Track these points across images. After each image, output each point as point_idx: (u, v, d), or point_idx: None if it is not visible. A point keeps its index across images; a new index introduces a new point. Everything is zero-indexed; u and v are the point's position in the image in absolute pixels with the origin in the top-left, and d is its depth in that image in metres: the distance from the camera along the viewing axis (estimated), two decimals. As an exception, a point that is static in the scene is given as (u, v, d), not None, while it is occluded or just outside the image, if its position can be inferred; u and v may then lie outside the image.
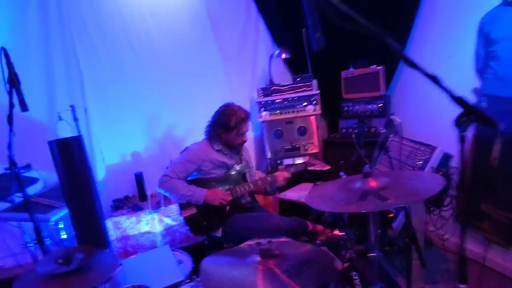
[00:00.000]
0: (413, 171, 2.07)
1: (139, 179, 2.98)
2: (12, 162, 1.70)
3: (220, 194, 2.23)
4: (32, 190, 2.41)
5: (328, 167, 2.56)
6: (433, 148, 2.21)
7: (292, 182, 2.79)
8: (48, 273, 1.23)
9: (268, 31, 3.29)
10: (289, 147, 3.19)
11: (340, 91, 3.16)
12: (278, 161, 3.16)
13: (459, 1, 2.52)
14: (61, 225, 2.28)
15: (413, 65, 1.07)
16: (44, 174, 2.67)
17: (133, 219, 2.75)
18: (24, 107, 1.47)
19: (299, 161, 2.91)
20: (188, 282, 1.59)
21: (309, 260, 1.20)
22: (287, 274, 1.10)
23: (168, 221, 2.83)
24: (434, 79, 1.10)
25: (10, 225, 2.49)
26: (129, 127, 3.03)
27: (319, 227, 2.38)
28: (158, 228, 2.80)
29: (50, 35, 2.61)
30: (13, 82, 1.42)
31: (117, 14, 2.83)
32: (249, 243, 1.60)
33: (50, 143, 1.77)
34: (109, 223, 2.64)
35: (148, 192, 2.94)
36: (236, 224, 2.18)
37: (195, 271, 1.69)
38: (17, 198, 2.26)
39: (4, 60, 1.45)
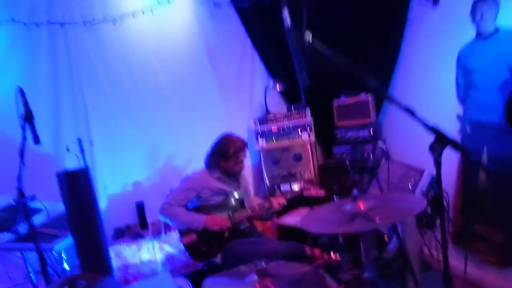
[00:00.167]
0: (398, 193, 2.16)
1: (140, 207, 3.05)
2: (21, 194, 1.80)
3: (219, 220, 2.30)
4: (36, 220, 2.47)
5: (323, 192, 2.66)
6: (421, 172, 2.32)
7: (290, 207, 2.87)
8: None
9: (263, 64, 3.50)
10: (286, 173, 3.29)
11: (333, 119, 3.31)
12: (276, 187, 3.25)
13: (438, 35, 2.73)
14: (64, 255, 2.33)
15: (389, 99, 1.21)
16: (47, 205, 2.74)
17: (134, 247, 2.79)
18: (37, 141, 1.59)
19: (295, 186, 3.00)
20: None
21: (304, 280, 1.28)
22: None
23: (168, 248, 2.87)
24: (409, 111, 1.24)
25: (13, 256, 2.53)
26: (131, 157, 3.14)
27: (317, 251, 2.43)
28: (158, 255, 2.84)
29: (58, 74, 2.79)
30: (28, 118, 1.54)
31: (122, 53, 3.02)
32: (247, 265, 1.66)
33: (59, 175, 1.87)
34: (111, 252, 2.68)
35: (149, 220, 3.00)
36: (235, 249, 2.24)
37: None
38: (22, 228, 2.32)
39: (20, 98, 1.59)
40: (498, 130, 2.36)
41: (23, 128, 1.61)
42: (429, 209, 2.39)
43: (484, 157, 2.53)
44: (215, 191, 2.38)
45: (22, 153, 1.71)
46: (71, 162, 2.55)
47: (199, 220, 2.26)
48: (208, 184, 2.37)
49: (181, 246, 2.43)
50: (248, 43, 3.44)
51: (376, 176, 2.63)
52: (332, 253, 2.18)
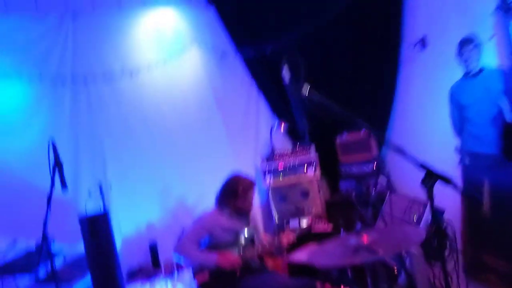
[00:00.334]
0: (400, 226, 2.23)
1: (153, 248, 3.13)
2: (45, 238, 1.93)
3: (230, 258, 2.37)
4: (55, 262, 2.57)
5: (331, 227, 2.73)
6: (424, 204, 2.41)
7: (299, 243, 2.91)
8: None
9: (268, 105, 3.71)
10: (294, 209, 3.37)
11: (337, 154, 3.45)
12: (284, 224, 3.32)
13: (430, 74, 2.93)
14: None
15: (381, 139, 1.36)
16: (65, 247, 2.85)
17: (148, 286, 2.84)
18: (65, 187, 1.75)
19: (303, 222, 3.08)
20: None
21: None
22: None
23: (181, 287, 2.91)
24: (400, 151, 1.38)
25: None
26: (144, 199, 3.28)
27: (328, 286, 2.46)
28: (171, 296, 2.88)
29: (79, 123, 3.04)
30: (58, 166, 1.72)
31: (137, 102, 3.29)
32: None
33: (81, 220, 2.01)
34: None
35: (162, 260, 3.07)
36: (247, 287, 2.29)
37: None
38: (42, 270, 2.42)
39: (51, 149, 1.78)
40: (495, 161, 2.46)
41: (53, 176, 1.78)
42: (435, 241, 2.45)
43: (486, 188, 2.60)
44: (226, 229, 2.47)
45: (49, 199, 1.86)
46: (89, 205, 2.70)
47: (211, 258, 2.34)
48: (219, 223, 2.46)
49: (194, 285, 2.48)
50: (254, 87, 3.68)
51: (381, 210, 2.72)
52: (342, 287, 2.22)
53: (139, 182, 3.24)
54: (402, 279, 2.30)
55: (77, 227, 2.49)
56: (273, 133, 3.61)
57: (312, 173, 3.38)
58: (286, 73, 1.35)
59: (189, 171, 3.39)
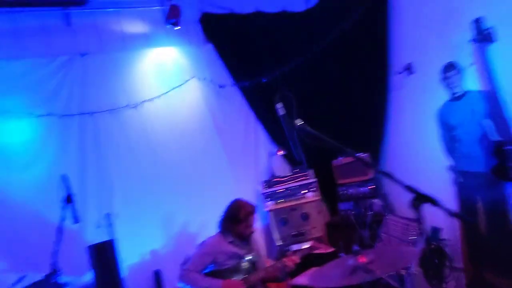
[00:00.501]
0: (396, 246, 2.30)
1: (157, 276, 3.16)
2: (55, 270, 2.00)
3: (235, 285, 2.42)
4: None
5: (332, 249, 2.78)
6: (421, 223, 2.48)
7: (302, 267, 2.96)
8: None
9: (266, 132, 3.85)
10: (295, 233, 3.43)
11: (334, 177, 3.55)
12: (287, 248, 3.36)
13: (418, 97, 3.09)
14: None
15: (369, 166, 1.47)
16: (71, 279, 2.89)
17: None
18: (76, 220, 1.84)
19: (305, 245, 3.12)
20: None
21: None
22: None
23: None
24: (387, 175, 1.49)
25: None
26: (148, 226, 3.34)
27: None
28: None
29: (87, 155, 3.17)
30: (70, 200, 1.82)
31: (141, 132, 3.43)
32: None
33: (90, 248, 2.09)
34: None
35: (166, 287, 3.09)
36: (252, 312, 2.33)
37: None
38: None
39: (64, 183, 1.89)
40: (486, 180, 2.56)
41: (64, 209, 1.88)
42: (434, 260, 2.51)
43: (480, 206, 2.69)
44: (229, 255, 2.53)
45: (60, 232, 1.95)
46: (93, 236, 2.78)
47: (216, 285, 2.38)
48: (223, 249, 2.53)
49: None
50: (252, 115, 3.84)
51: (379, 230, 2.79)
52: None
53: (143, 210, 3.31)
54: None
55: (83, 258, 2.55)
56: (272, 159, 3.73)
57: (311, 196, 3.46)
58: (279, 108, 1.49)
59: (191, 198, 3.48)
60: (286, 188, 3.52)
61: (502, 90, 2.23)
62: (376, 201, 3.20)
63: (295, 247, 3.33)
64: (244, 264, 2.57)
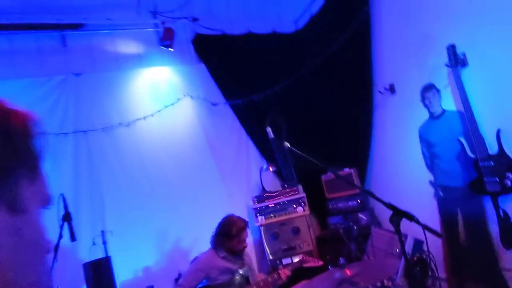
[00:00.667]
0: (382, 258, 2.41)
1: (150, 292, 3.18)
2: None
3: (227, 299, 2.48)
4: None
5: (321, 263, 2.87)
6: (405, 236, 2.61)
7: (294, 281, 3.03)
8: None
9: (257, 149, 3.97)
10: (286, 247, 3.51)
11: (323, 192, 3.67)
12: (278, 262, 3.43)
13: (400, 116, 3.26)
14: None
15: (352, 184, 1.59)
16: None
17: (146, 334, 2.87)
18: (73, 239, 1.90)
19: (296, 259, 3.21)
20: None
21: None
22: None
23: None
24: (369, 193, 1.62)
25: None
26: (141, 243, 3.37)
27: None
28: None
29: (80, 174, 3.21)
30: (67, 219, 1.88)
31: (134, 150, 3.50)
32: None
33: (85, 265, 2.14)
34: None
35: (159, 305, 3.11)
36: (244, 326, 2.38)
37: None
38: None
39: (61, 202, 1.95)
40: (464, 194, 2.71)
41: (61, 227, 1.94)
42: (417, 271, 2.62)
43: (459, 218, 2.83)
44: (221, 270, 2.60)
45: (56, 249, 2.00)
46: (87, 253, 2.81)
47: (209, 300, 2.44)
48: (215, 264, 2.60)
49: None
50: (243, 132, 3.96)
51: (366, 243, 2.89)
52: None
53: (136, 227, 3.35)
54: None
55: (79, 275, 2.58)
56: (262, 174, 3.83)
57: (301, 211, 3.56)
58: (269, 131, 1.61)
59: (184, 214, 3.54)
60: (277, 203, 3.62)
61: (475, 110, 2.40)
62: (364, 215, 3.32)
63: (286, 261, 3.41)
64: (237, 279, 2.63)
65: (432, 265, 2.69)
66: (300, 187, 3.63)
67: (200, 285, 2.58)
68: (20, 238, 0.36)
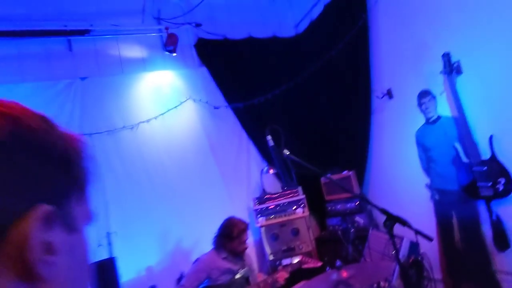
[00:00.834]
0: (378, 260, 2.49)
1: (153, 292, 3.27)
2: None
3: (228, 299, 2.57)
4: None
5: (320, 264, 2.95)
6: (401, 238, 2.68)
7: (293, 281, 3.11)
8: None
9: (258, 151, 4.05)
10: (286, 248, 3.59)
11: (322, 194, 3.75)
12: (277, 262, 3.52)
13: (397, 120, 3.33)
14: None
15: (345, 189, 1.67)
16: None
17: (149, 332, 2.95)
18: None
19: (295, 260, 3.29)
20: None
21: None
22: None
23: (181, 331, 3.03)
24: (362, 198, 1.70)
25: None
26: (144, 243, 3.45)
27: (320, 322, 2.65)
28: None
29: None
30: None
31: (137, 152, 3.58)
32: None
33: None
34: None
35: (161, 304, 3.20)
36: (244, 325, 2.47)
37: None
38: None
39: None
40: (459, 197, 2.79)
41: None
42: (413, 273, 2.70)
43: (455, 221, 2.91)
44: (223, 270, 2.68)
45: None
46: (92, 254, 2.89)
47: (210, 299, 2.53)
48: (217, 265, 2.68)
49: (194, 327, 2.63)
50: (244, 135, 4.04)
51: (364, 245, 2.97)
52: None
53: (139, 228, 3.43)
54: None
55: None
56: (263, 176, 3.91)
57: (301, 212, 3.64)
58: (269, 140, 1.68)
59: (186, 215, 3.62)
60: (277, 205, 3.69)
61: (468, 117, 2.47)
62: (361, 217, 3.40)
63: (285, 261, 3.49)
64: (238, 279, 2.72)
65: (427, 267, 2.77)
66: (299, 189, 3.71)
67: (201, 286, 2.66)
68: (73, 256, 0.38)
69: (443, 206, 2.99)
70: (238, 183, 3.92)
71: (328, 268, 2.62)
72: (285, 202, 3.68)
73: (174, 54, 3.63)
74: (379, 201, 3.69)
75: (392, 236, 1.62)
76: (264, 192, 3.89)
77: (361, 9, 3.34)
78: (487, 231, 2.58)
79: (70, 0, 3.13)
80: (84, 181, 0.42)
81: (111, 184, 3.41)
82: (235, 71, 3.94)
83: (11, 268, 0.32)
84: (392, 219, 1.59)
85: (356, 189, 3.60)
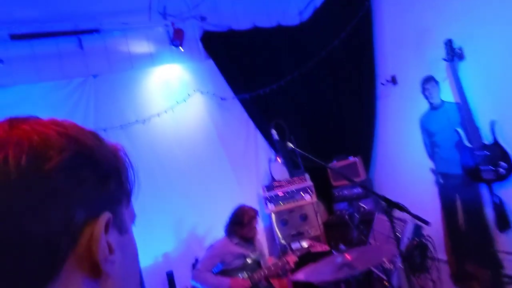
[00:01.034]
0: (381, 243, 2.60)
1: (170, 277, 3.47)
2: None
3: (241, 282, 2.73)
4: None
5: (328, 247, 3.09)
6: (404, 221, 2.79)
7: (302, 264, 3.26)
8: None
9: (265, 140, 4.15)
10: (295, 232, 3.74)
11: (329, 180, 3.85)
12: (287, 246, 3.67)
13: (402, 106, 3.38)
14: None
15: (349, 180, 1.77)
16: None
17: (169, 313, 3.17)
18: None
19: (304, 244, 3.43)
20: None
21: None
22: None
23: (198, 312, 3.24)
24: (364, 187, 1.80)
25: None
26: (160, 231, 3.65)
27: (328, 302, 2.81)
28: (190, 320, 3.19)
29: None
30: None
31: (150, 145, 3.73)
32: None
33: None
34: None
35: (179, 287, 3.40)
36: (257, 305, 2.64)
37: None
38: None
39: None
40: (463, 181, 2.86)
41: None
42: (417, 254, 2.82)
43: (458, 204, 2.99)
44: (235, 255, 2.84)
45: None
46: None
47: (225, 283, 2.70)
48: (229, 250, 2.84)
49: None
50: (251, 125, 4.14)
51: (371, 228, 3.09)
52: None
53: (155, 217, 3.61)
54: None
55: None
56: (271, 164, 4.03)
57: (309, 198, 3.76)
58: (274, 134, 1.78)
59: (199, 203, 3.78)
60: (286, 192, 3.82)
61: (471, 102, 2.51)
62: (368, 201, 3.50)
63: (294, 245, 3.64)
64: (249, 264, 2.88)
65: (431, 248, 2.89)
66: (307, 176, 3.82)
67: (215, 269, 2.84)
68: (126, 254, 0.43)
69: (447, 189, 3.07)
70: (247, 171, 4.05)
71: (334, 251, 2.76)
72: (293, 189, 3.80)
73: (181, 49, 3.72)
74: (385, 186, 3.81)
75: (392, 221, 1.73)
76: (272, 179, 4.01)
77: (364, -4, 3.35)
78: (489, 213, 2.66)
79: (80, 1, 3.22)
80: (129, 187, 0.46)
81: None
82: (241, 62, 4.00)
83: (82, 266, 0.37)
84: (391, 205, 1.69)
85: (363, 175, 3.69)
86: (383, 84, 3.45)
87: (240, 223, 2.88)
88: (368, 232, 3.03)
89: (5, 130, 0.36)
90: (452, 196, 3.03)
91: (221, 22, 4.04)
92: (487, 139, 2.50)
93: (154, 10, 3.67)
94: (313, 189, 3.76)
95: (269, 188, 3.87)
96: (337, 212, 3.78)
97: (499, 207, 2.55)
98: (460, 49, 2.56)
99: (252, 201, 3.75)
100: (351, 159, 3.73)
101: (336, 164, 3.80)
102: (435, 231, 3.15)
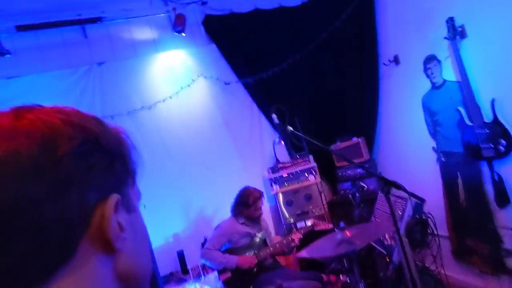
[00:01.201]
0: (383, 220, 2.68)
1: (180, 256, 3.64)
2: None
3: (248, 259, 2.87)
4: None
5: (331, 226, 3.20)
6: (405, 199, 2.86)
7: (306, 242, 3.38)
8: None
9: (269, 123, 4.21)
10: (300, 212, 3.85)
11: (333, 160, 3.92)
12: (292, 225, 3.79)
13: (404, 86, 3.38)
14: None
15: (349, 161, 1.83)
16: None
17: (181, 289, 3.35)
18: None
19: (308, 223, 3.55)
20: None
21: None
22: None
23: (208, 288, 3.41)
24: (362, 167, 1.86)
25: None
26: (169, 213, 3.79)
27: (333, 278, 2.94)
28: (201, 295, 3.37)
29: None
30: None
31: (156, 130, 3.82)
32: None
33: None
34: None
35: (189, 266, 3.57)
36: (263, 281, 2.78)
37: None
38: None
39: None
40: (464, 159, 2.91)
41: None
42: (417, 231, 2.91)
43: (460, 181, 3.04)
44: (242, 234, 2.97)
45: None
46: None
47: (232, 260, 2.84)
48: (236, 229, 2.97)
49: (219, 285, 2.98)
50: (255, 108, 4.18)
51: (373, 207, 3.17)
52: (341, 276, 2.69)
53: (164, 200, 3.75)
54: (391, 266, 2.76)
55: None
56: (275, 147, 4.10)
57: (313, 179, 3.85)
58: (275, 118, 1.84)
59: (206, 186, 3.90)
60: (290, 173, 3.90)
61: (472, 81, 2.52)
62: (371, 181, 3.57)
63: (300, 224, 3.76)
64: (256, 242, 3.01)
65: (432, 225, 2.97)
66: (311, 157, 3.89)
67: (223, 248, 2.97)
68: (135, 231, 0.45)
69: (448, 167, 3.11)
70: (252, 154, 4.13)
71: (336, 229, 2.86)
72: (298, 170, 3.88)
73: (183, 35, 3.73)
74: (389, 166, 3.87)
75: (388, 199, 1.80)
76: (277, 161, 4.09)
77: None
78: (489, 189, 2.71)
79: (82, -11, 3.24)
80: (133, 168, 0.48)
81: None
82: (243, 45, 4.00)
83: (96, 245, 0.39)
84: (388, 184, 1.76)
85: (366, 155, 3.75)
86: (385, 64, 3.44)
87: (245, 204, 2.99)
88: (370, 210, 3.12)
89: (12, 120, 0.37)
90: (453, 174, 3.08)
91: (223, 6, 4.02)
92: (488, 117, 2.52)
93: (155, -4, 3.67)
94: (317, 170, 3.84)
95: (273, 170, 3.96)
96: (341, 192, 3.87)
97: (498, 184, 2.60)
98: (462, 27, 2.55)
99: (257, 183, 3.85)
100: (354, 139, 3.77)
101: (339, 145, 3.85)
102: (437, 208, 3.23)
